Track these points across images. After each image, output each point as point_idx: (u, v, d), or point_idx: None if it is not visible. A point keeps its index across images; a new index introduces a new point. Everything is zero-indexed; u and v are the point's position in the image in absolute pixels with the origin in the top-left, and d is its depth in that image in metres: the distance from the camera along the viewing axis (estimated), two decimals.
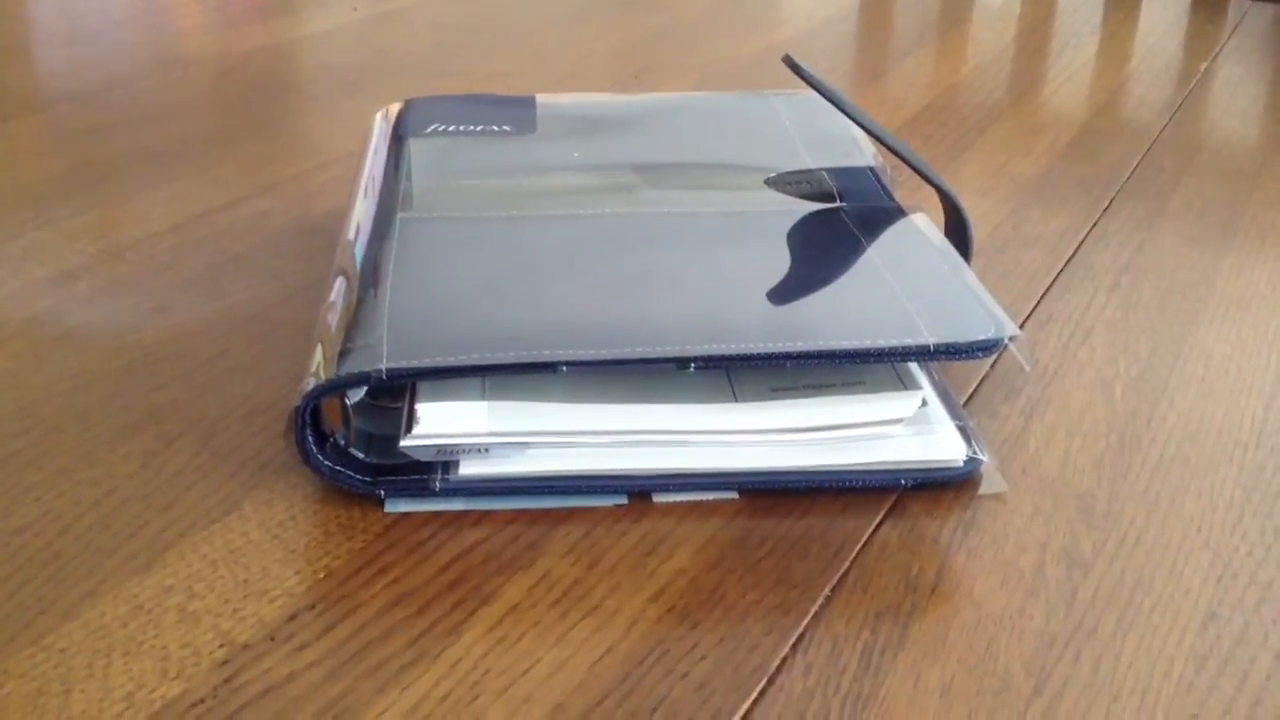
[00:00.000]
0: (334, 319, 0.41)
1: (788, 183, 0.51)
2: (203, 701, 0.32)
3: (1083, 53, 0.91)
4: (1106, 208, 0.63)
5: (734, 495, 0.40)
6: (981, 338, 0.39)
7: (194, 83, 0.79)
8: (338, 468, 0.39)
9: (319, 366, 0.39)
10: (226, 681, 0.32)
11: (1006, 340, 0.39)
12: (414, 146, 0.54)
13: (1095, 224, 0.61)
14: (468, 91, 0.78)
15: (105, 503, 0.39)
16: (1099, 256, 0.58)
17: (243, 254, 0.56)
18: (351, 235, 0.47)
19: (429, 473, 0.39)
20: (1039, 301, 0.54)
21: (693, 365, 0.38)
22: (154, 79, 0.79)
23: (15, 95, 0.77)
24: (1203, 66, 0.89)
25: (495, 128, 0.56)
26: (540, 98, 0.60)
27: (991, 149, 0.71)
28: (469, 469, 0.39)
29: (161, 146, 0.68)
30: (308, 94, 0.78)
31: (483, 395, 0.40)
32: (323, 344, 0.40)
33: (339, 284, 0.44)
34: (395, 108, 0.58)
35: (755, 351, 0.38)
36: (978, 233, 0.59)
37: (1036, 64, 0.88)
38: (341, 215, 0.50)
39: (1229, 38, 0.96)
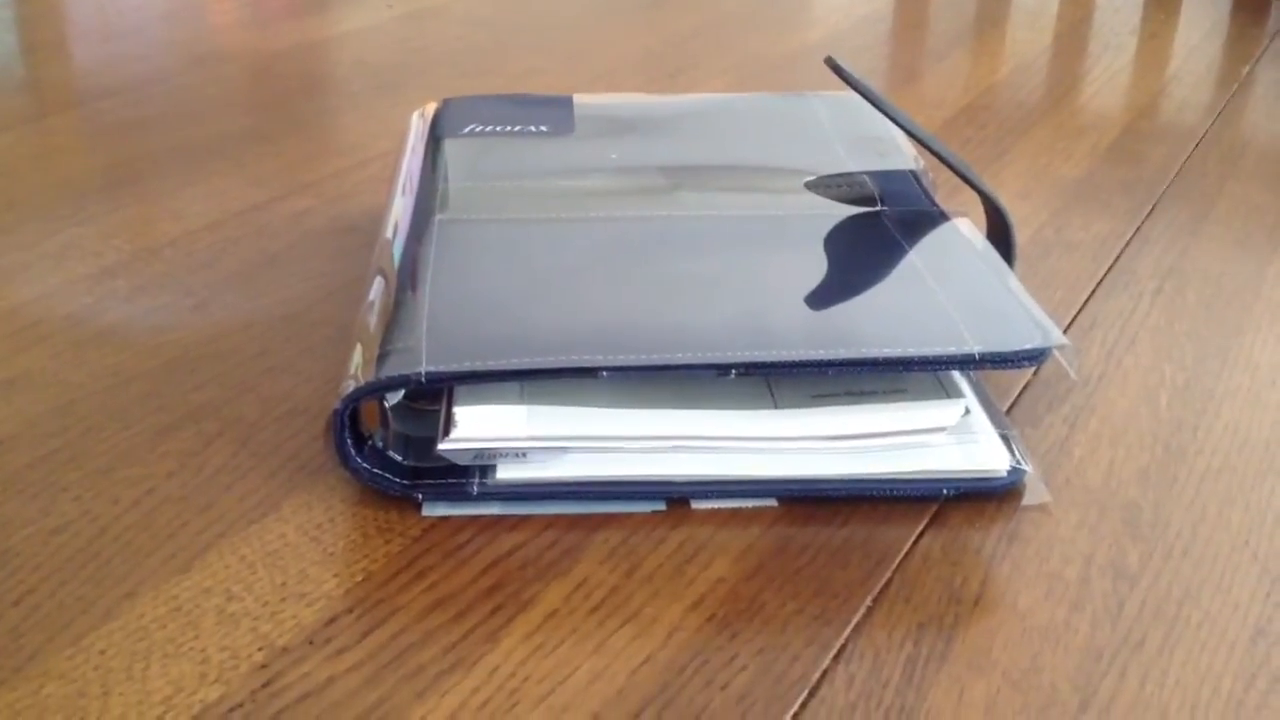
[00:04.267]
0: (373, 319, 0.41)
1: (828, 185, 0.51)
2: (241, 706, 0.32)
3: (1123, 54, 0.90)
4: (1150, 212, 0.63)
5: (773, 503, 0.40)
6: (1028, 347, 0.39)
7: (230, 79, 0.79)
8: (376, 470, 0.39)
9: (358, 368, 0.39)
10: (265, 685, 0.32)
11: (1053, 349, 0.39)
12: (450, 147, 0.54)
13: (1139, 228, 0.61)
14: (502, 89, 0.77)
15: (144, 502, 0.39)
16: (1142, 261, 0.57)
17: (280, 252, 0.56)
18: (390, 234, 0.47)
19: (466, 476, 0.39)
20: (1082, 307, 0.53)
21: (734, 372, 0.38)
22: (190, 75, 0.79)
23: (53, 91, 0.77)
24: (1245, 69, 0.87)
25: (533, 128, 0.55)
26: (578, 98, 0.59)
27: (1032, 151, 0.70)
28: (506, 473, 0.39)
29: (199, 143, 0.68)
30: (343, 91, 0.78)
31: (521, 399, 0.39)
32: (362, 344, 0.40)
33: (378, 283, 0.43)
34: (432, 107, 0.58)
35: (797, 359, 0.38)
36: (1019, 236, 0.59)
37: (1076, 65, 0.87)
38: (378, 214, 0.50)
39: (1271, 40, 0.95)
